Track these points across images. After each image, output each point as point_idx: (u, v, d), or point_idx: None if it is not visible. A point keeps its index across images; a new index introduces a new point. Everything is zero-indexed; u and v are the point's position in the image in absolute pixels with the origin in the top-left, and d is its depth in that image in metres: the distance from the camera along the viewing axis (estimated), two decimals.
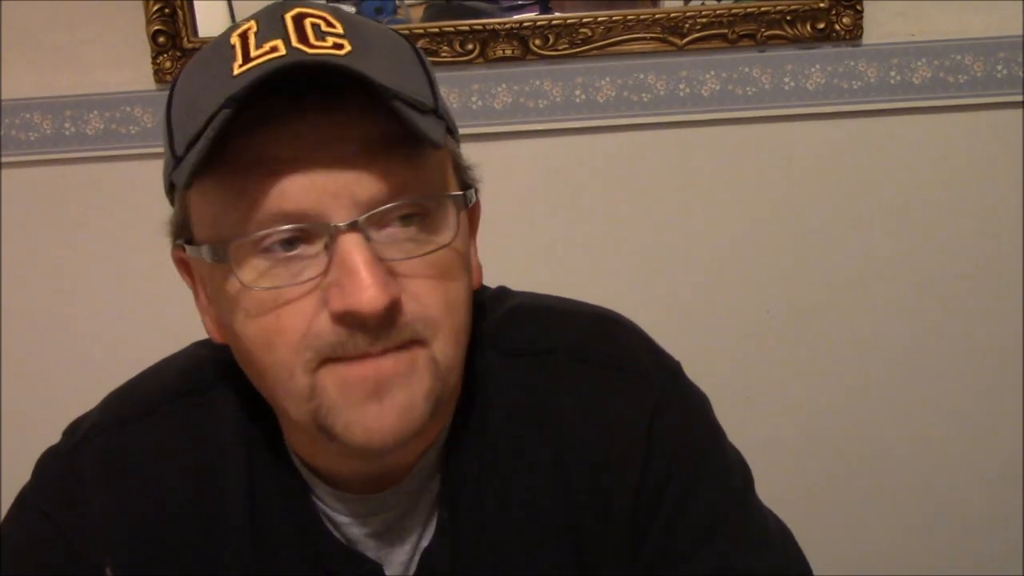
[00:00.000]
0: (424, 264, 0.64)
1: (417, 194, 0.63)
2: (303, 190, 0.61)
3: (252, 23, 0.64)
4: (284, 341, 0.63)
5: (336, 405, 0.64)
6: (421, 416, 0.64)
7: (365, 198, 0.62)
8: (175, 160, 0.64)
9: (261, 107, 0.61)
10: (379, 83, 0.60)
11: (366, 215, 0.61)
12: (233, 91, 0.59)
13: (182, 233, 0.68)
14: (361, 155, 0.61)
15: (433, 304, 0.64)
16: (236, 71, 0.61)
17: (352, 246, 0.61)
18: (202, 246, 0.65)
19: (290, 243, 0.62)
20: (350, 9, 1.31)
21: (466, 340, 0.68)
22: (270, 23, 0.63)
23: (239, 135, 0.61)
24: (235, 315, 0.65)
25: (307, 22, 0.63)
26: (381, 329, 0.62)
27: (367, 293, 0.60)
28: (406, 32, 1.36)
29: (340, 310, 0.61)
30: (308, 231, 0.62)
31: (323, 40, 0.62)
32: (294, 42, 0.62)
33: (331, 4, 0.68)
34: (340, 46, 0.62)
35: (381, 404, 0.63)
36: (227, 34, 0.65)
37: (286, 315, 0.63)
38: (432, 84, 0.67)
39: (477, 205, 0.73)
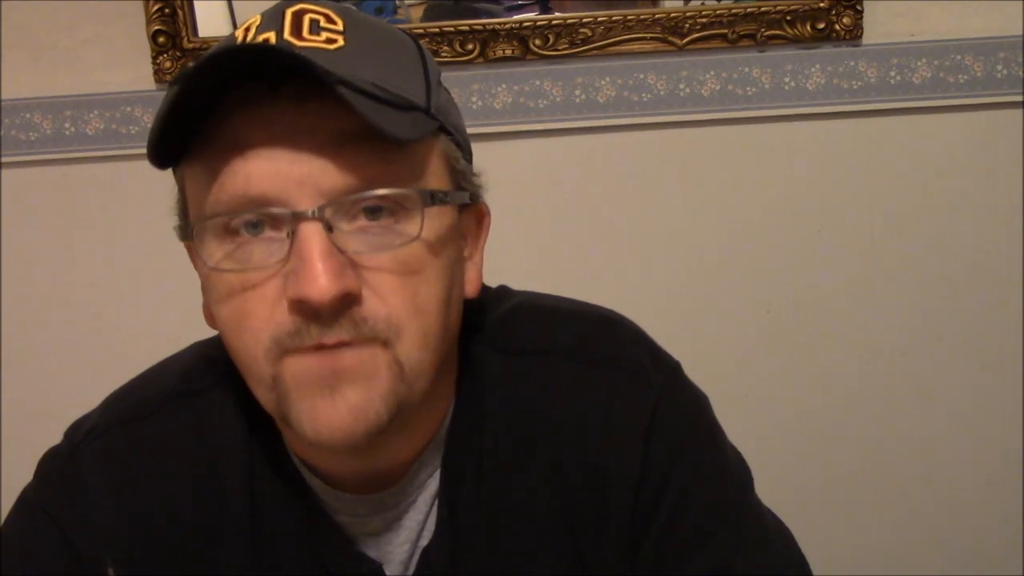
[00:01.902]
0: (392, 260, 0.63)
1: (386, 188, 0.63)
2: (268, 176, 0.61)
3: (257, 17, 0.66)
4: (249, 326, 0.63)
5: (290, 396, 0.63)
6: (376, 417, 0.63)
7: (328, 188, 0.61)
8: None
9: (241, 94, 0.61)
10: (323, 69, 0.59)
11: (328, 205, 0.61)
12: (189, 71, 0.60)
13: (181, 218, 0.69)
14: (330, 146, 0.61)
15: (398, 304, 0.63)
16: None
17: (310, 234, 0.61)
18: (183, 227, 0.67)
19: (255, 227, 0.63)
20: None
21: (441, 343, 0.67)
22: (272, 17, 0.65)
23: (220, 120, 0.62)
24: (210, 297, 0.66)
25: (306, 17, 0.64)
26: (335, 320, 0.62)
27: (318, 282, 0.60)
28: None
29: (292, 297, 0.61)
30: (272, 216, 0.62)
31: (317, 34, 0.63)
32: (286, 35, 0.63)
33: (339, 3, 0.68)
34: (333, 41, 0.63)
35: (333, 400, 0.63)
36: (236, 28, 0.66)
37: (251, 300, 0.63)
38: (428, 84, 0.67)
39: (484, 214, 0.73)
